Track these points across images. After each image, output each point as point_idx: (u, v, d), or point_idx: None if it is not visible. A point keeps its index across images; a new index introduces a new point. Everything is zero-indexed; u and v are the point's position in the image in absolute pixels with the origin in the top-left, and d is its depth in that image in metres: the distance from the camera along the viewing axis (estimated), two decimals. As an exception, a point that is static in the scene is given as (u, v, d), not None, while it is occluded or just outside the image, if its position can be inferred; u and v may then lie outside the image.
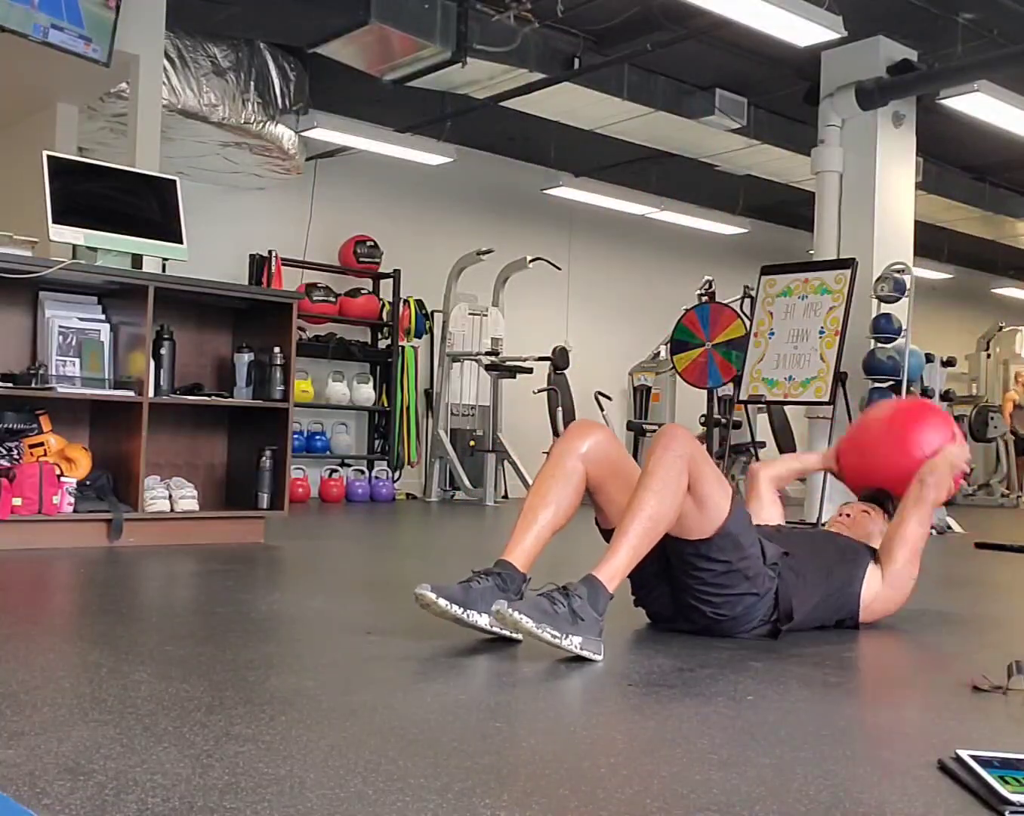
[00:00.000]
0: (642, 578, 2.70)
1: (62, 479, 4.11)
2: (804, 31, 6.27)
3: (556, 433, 8.54)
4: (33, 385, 4.10)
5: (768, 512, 3.08)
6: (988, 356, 13.03)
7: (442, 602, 2.34)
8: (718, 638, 2.59)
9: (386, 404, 9.08)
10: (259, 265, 8.46)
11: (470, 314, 8.99)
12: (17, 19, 4.87)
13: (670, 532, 2.50)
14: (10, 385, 4.09)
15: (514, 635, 2.36)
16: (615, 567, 2.34)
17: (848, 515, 3.04)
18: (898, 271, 6.98)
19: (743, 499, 2.68)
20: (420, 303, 9.25)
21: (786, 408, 9.21)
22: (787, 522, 3.23)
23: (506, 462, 8.65)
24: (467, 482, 8.64)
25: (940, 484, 2.85)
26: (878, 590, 2.78)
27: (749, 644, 2.55)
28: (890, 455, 3.03)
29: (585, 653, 2.23)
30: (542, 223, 10.21)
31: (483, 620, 2.35)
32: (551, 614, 2.21)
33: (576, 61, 7.30)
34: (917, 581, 2.85)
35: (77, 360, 4.30)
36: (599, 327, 10.59)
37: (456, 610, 2.35)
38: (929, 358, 7.27)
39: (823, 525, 3.28)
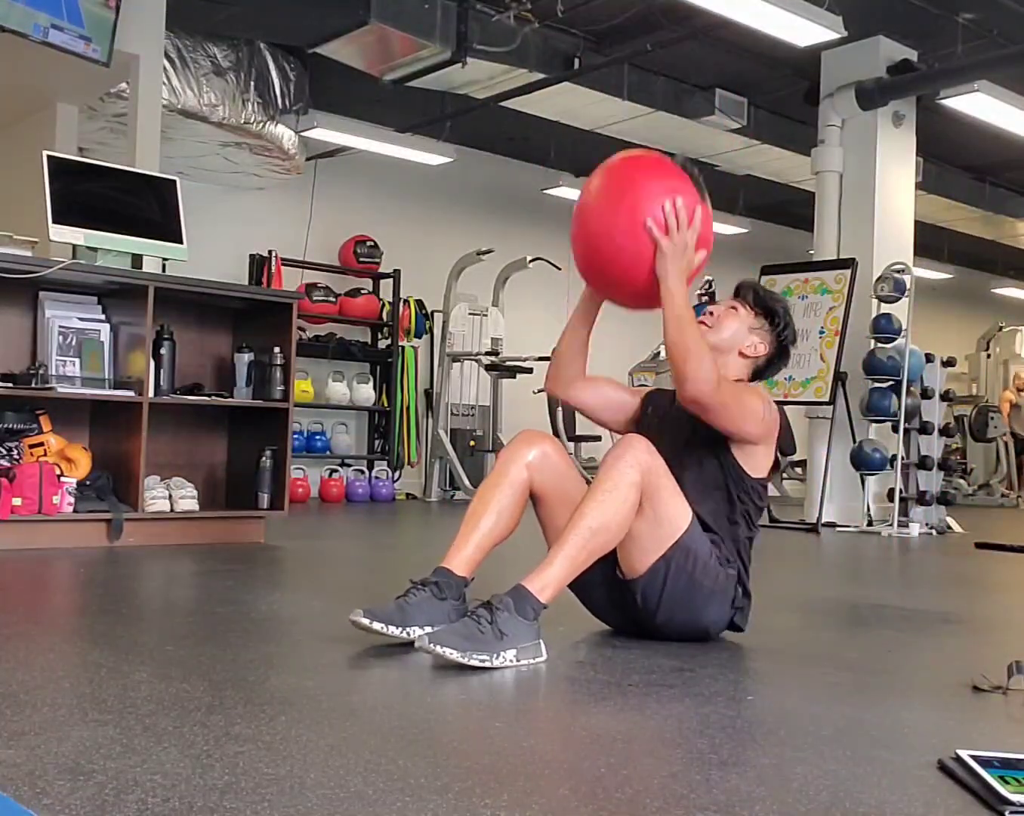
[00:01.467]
0: (597, 606, 2.64)
1: (62, 479, 4.10)
2: (804, 31, 6.27)
3: (556, 433, 8.54)
4: (33, 385, 4.10)
5: (600, 388, 2.84)
6: (988, 356, 13.04)
7: (377, 625, 2.32)
8: (718, 638, 2.58)
9: (386, 404, 9.08)
10: (259, 265, 8.46)
11: (470, 314, 8.98)
12: (17, 19, 4.87)
13: (625, 575, 2.44)
14: (10, 385, 4.09)
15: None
16: (547, 578, 2.24)
17: (711, 313, 2.68)
18: (898, 271, 6.98)
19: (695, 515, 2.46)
20: (420, 303, 9.25)
21: (786, 408, 9.21)
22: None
23: (506, 462, 8.64)
24: (467, 482, 8.64)
25: (678, 279, 2.39)
26: (752, 452, 2.55)
27: (749, 644, 2.55)
28: (619, 252, 2.40)
29: (524, 662, 2.19)
30: (542, 223, 10.20)
31: (422, 634, 2.28)
32: (476, 638, 2.15)
33: (576, 61, 7.30)
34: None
35: (77, 360, 4.30)
36: (599, 327, 10.51)
37: (393, 631, 2.32)
38: (929, 358, 7.27)
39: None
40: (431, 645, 2.14)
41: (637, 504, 2.34)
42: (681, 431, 2.57)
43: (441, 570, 2.42)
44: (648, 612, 2.48)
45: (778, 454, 2.45)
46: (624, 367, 10.47)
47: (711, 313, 2.68)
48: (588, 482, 2.48)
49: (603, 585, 2.52)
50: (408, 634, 2.31)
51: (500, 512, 2.47)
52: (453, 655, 2.12)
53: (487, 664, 2.14)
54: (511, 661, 2.17)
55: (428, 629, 2.28)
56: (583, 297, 2.77)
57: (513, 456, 2.54)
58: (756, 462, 2.57)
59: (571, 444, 9.03)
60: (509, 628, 2.17)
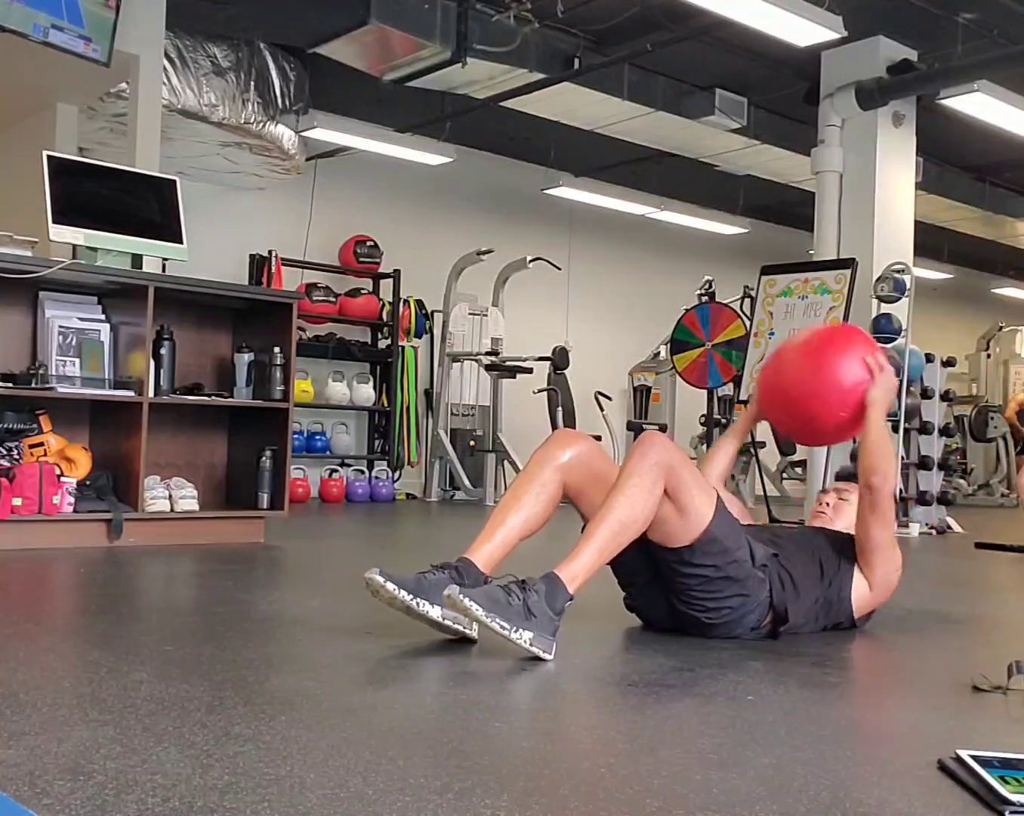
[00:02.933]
0: (634, 584, 2.69)
1: (62, 479, 4.10)
2: (804, 31, 6.27)
3: (556, 433, 8.53)
4: (33, 385, 4.10)
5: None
6: (988, 356, 13.04)
7: (390, 586, 2.31)
8: (717, 638, 2.58)
9: (386, 404, 9.08)
10: (259, 265, 8.46)
11: (470, 314, 8.98)
12: (17, 19, 4.87)
13: (654, 541, 2.49)
14: (10, 385, 4.09)
15: (467, 631, 2.34)
16: (577, 568, 2.30)
17: (828, 504, 2.98)
18: (898, 271, 6.98)
19: (725, 503, 2.64)
20: (420, 303, 9.25)
21: (786, 408, 9.19)
22: (777, 521, 3.24)
23: (506, 462, 8.65)
24: (467, 482, 8.64)
25: (883, 406, 2.74)
26: (865, 593, 2.77)
27: (749, 644, 2.55)
28: (814, 398, 2.81)
29: (535, 649, 2.20)
30: (542, 223, 10.20)
31: (434, 612, 2.32)
32: (503, 605, 2.18)
33: (576, 61, 7.30)
34: (908, 582, 2.85)
35: (77, 360, 4.30)
36: (599, 327, 10.59)
37: (405, 596, 2.31)
38: (929, 358, 7.27)
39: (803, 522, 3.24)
40: (460, 595, 2.15)
41: (661, 497, 2.41)
42: (807, 545, 2.79)
43: (464, 559, 2.44)
44: (674, 583, 2.54)
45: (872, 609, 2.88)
46: (624, 367, 10.49)
47: (827, 503, 3.00)
48: None
49: (641, 557, 2.56)
50: (417, 604, 2.31)
51: (530, 510, 2.52)
52: (478, 611, 2.14)
53: (505, 633, 2.16)
54: (526, 643, 2.19)
55: (438, 608, 2.29)
56: (749, 417, 3.10)
57: (547, 457, 2.59)
58: (860, 595, 2.75)
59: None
60: (537, 611, 2.21)
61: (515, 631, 2.17)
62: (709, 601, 2.54)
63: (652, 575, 2.60)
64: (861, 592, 2.76)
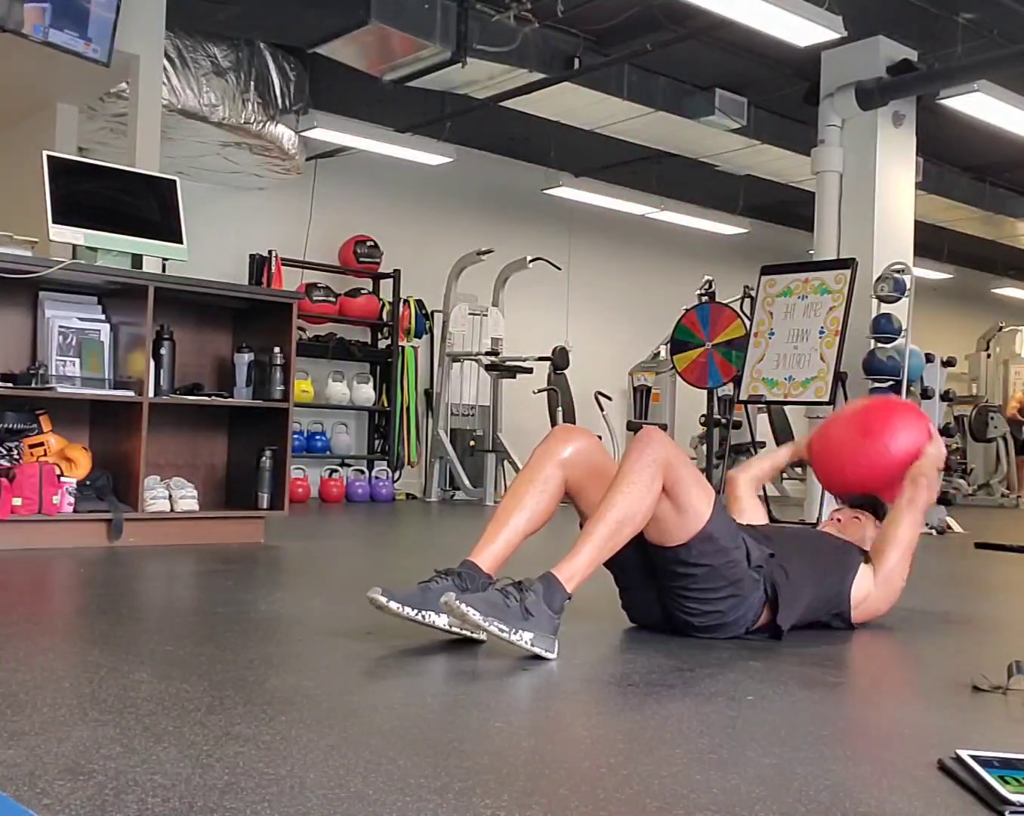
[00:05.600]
0: (628, 582, 2.68)
1: (62, 479, 4.10)
2: (804, 31, 6.26)
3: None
4: (33, 385, 4.10)
5: (750, 515, 3.05)
6: (988, 356, 13.04)
7: (393, 605, 2.31)
8: (717, 638, 2.58)
9: (386, 404, 9.08)
10: (259, 265, 8.46)
11: (470, 314, 8.98)
12: (17, 19, 4.87)
13: (651, 540, 2.48)
14: (10, 385, 4.09)
15: (474, 634, 2.34)
16: (575, 567, 2.29)
17: (839, 520, 3.02)
18: (898, 271, 6.98)
19: (724, 502, 2.66)
20: (420, 303, 9.25)
21: (786, 408, 9.21)
22: (777, 521, 3.25)
23: (506, 462, 8.65)
24: (467, 482, 8.64)
25: (931, 485, 2.86)
26: (869, 590, 2.77)
27: (749, 644, 2.55)
28: (860, 454, 3.00)
29: (537, 649, 2.20)
30: (542, 223, 10.20)
31: (441, 620, 2.32)
32: (501, 607, 2.17)
33: (576, 61, 7.30)
34: (908, 582, 2.86)
35: (77, 360, 4.30)
36: (599, 327, 10.59)
37: (410, 612, 2.31)
38: (929, 358, 7.27)
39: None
40: (457, 602, 2.15)
41: (659, 494, 2.40)
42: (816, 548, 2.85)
43: (467, 563, 2.44)
44: (668, 584, 2.53)
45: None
46: (624, 367, 10.49)
47: (839, 519, 3.04)
48: None
49: (637, 557, 2.55)
50: (423, 617, 2.31)
51: (534, 508, 2.51)
52: (475, 616, 2.14)
53: (504, 636, 2.16)
54: (526, 643, 2.18)
55: (444, 616, 2.30)
56: (793, 455, 3.27)
57: (548, 452, 2.58)
58: (860, 589, 2.77)
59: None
60: (535, 611, 2.20)
61: (515, 632, 2.17)
62: (703, 602, 2.53)
63: (647, 576, 2.59)
64: (863, 587, 2.76)
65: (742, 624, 2.58)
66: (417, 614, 2.32)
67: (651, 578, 2.59)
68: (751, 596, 2.56)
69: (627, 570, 2.64)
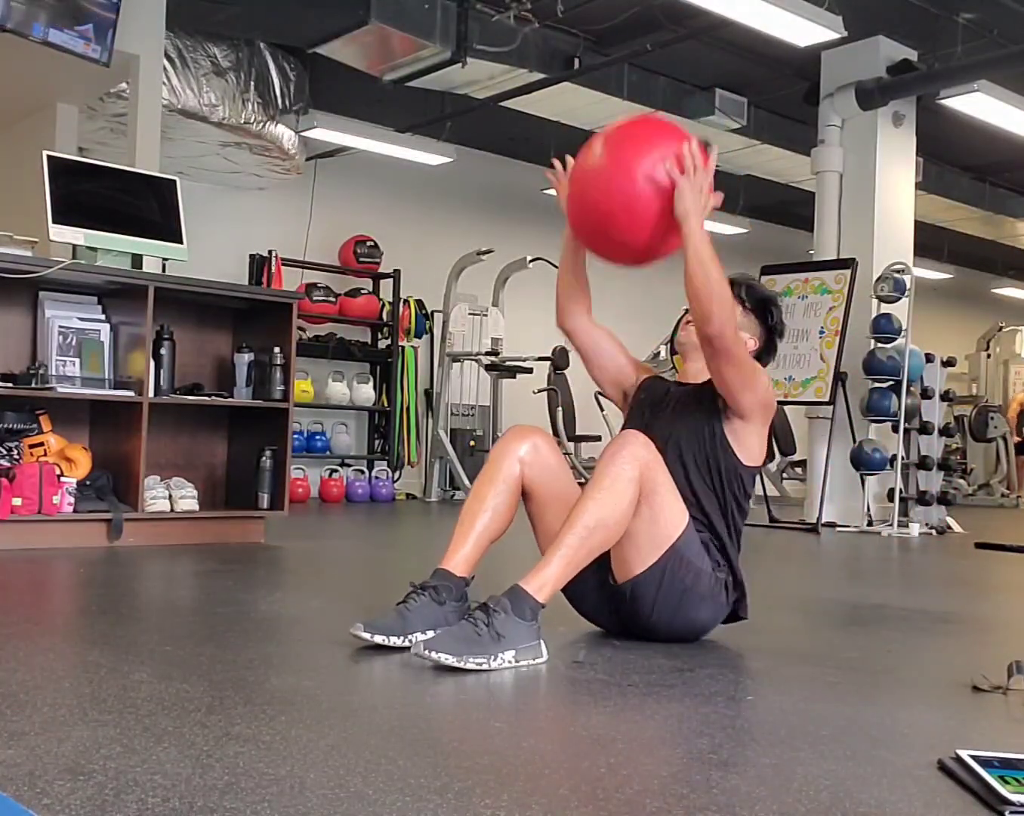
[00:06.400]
0: (588, 609, 2.63)
1: (62, 479, 4.10)
2: (804, 31, 6.26)
3: (556, 433, 8.54)
4: (33, 385, 4.10)
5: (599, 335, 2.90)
6: (988, 356, 13.04)
7: (378, 638, 2.31)
8: (715, 637, 2.58)
9: (386, 404, 9.08)
10: (259, 265, 8.46)
11: (470, 314, 8.98)
12: (17, 19, 4.87)
13: (619, 577, 2.43)
14: (10, 385, 4.09)
15: None
16: (544, 577, 2.23)
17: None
18: (898, 271, 6.98)
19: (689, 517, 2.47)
20: (420, 303, 9.25)
21: (786, 408, 9.21)
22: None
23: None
24: (467, 482, 8.63)
25: (701, 224, 2.38)
26: (742, 430, 2.53)
27: (749, 644, 2.55)
28: (615, 198, 2.41)
29: (523, 662, 2.18)
30: (542, 223, 10.18)
31: (428, 636, 2.28)
32: (473, 640, 2.14)
33: (576, 61, 7.30)
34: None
35: (77, 360, 4.30)
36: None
37: (395, 641, 2.30)
38: (929, 358, 7.27)
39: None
40: (427, 651, 2.13)
41: (635, 500, 2.32)
42: (676, 416, 2.59)
43: (440, 572, 2.42)
44: (641, 615, 2.48)
45: (773, 446, 2.53)
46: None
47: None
48: (584, 481, 2.47)
49: (596, 589, 2.51)
50: (410, 642, 2.29)
51: (496, 508, 2.47)
52: (449, 661, 2.12)
53: (484, 667, 2.13)
54: (509, 662, 2.16)
55: (429, 633, 2.28)
56: (566, 238, 2.81)
57: (505, 451, 2.54)
58: (748, 447, 2.55)
59: (571, 444, 9.03)
60: (507, 629, 2.17)
61: (494, 659, 2.14)
62: (681, 624, 2.49)
63: (604, 602, 2.53)
64: (740, 435, 2.52)
65: (722, 614, 2.55)
66: (403, 641, 2.30)
67: (612, 608, 2.53)
68: (721, 593, 2.51)
69: (585, 601, 2.59)
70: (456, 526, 2.50)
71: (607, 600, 2.52)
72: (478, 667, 2.13)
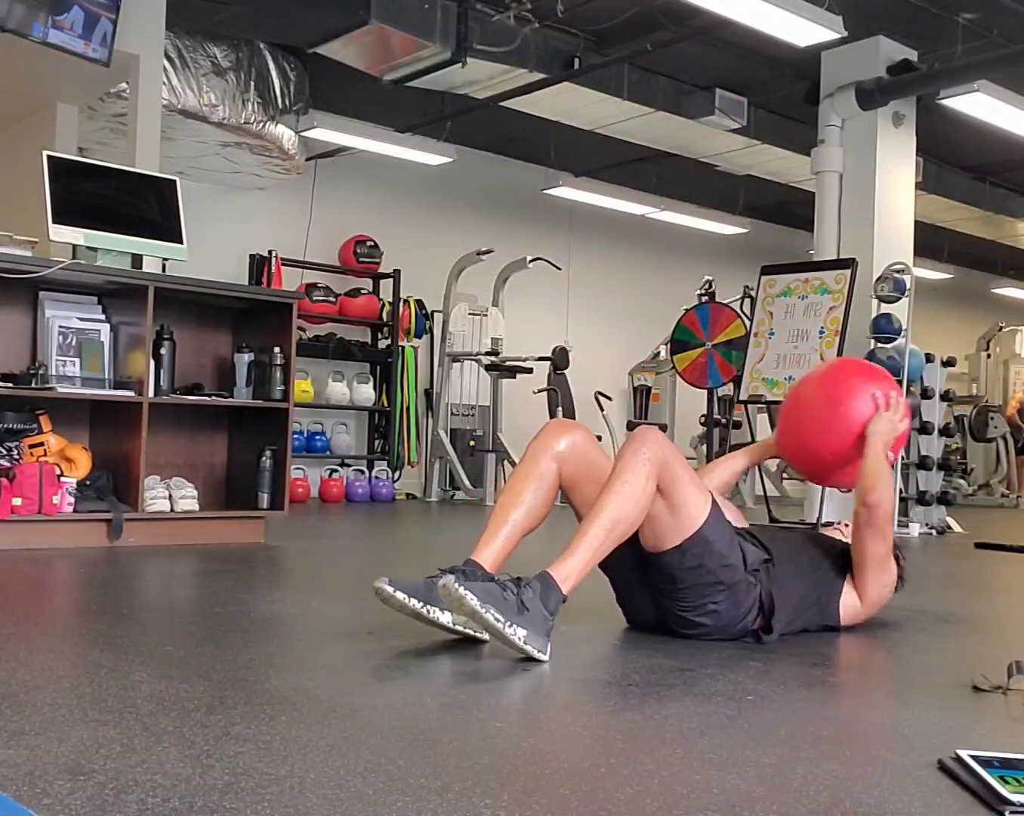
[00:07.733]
0: (622, 582, 2.67)
1: (62, 479, 4.10)
2: (804, 31, 6.27)
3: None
4: (33, 385, 4.10)
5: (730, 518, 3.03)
6: (988, 356, 13.04)
7: (400, 595, 2.31)
8: (713, 639, 2.58)
9: (386, 404, 9.08)
10: (259, 265, 8.46)
11: (470, 314, 8.99)
12: (17, 19, 4.87)
13: (646, 545, 2.47)
14: (10, 385, 4.09)
15: (476, 633, 2.33)
16: (570, 567, 2.28)
17: (847, 525, 2.96)
18: (898, 271, 6.98)
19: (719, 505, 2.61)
20: (420, 303, 9.26)
21: (786, 408, 9.20)
22: (777, 521, 3.22)
23: (506, 462, 8.65)
24: (467, 482, 8.64)
25: (886, 469, 2.70)
26: (854, 607, 2.76)
27: (749, 644, 2.55)
28: (822, 434, 2.80)
29: (528, 648, 2.19)
30: (542, 223, 10.20)
31: (445, 617, 2.32)
32: (499, 598, 2.17)
33: (576, 61, 7.30)
34: (908, 581, 2.85)
35: (77, 360, 4.30)
36: (599, 327, 10.59)
37: (415, 604, 2.31)
38: (929, 358, 7.27)
39: (824, 526, 3.21)
40: (455, 585, 2.15)
41: (654, 493, 2.38)
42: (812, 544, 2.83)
43: (471, 561, 2.43)
44: (662, 586, 2.52)
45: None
46: (624, 367, 10.49)
47: (846, 523, 2.95)
48: None
49: (631, 556, 2.53)
50: (427, 611, 2.31)
51: (530, 505, 2.50)
52: (473, 601, 2.13)
53: (499, 625, 2.15)
54: (519, 639, 2.18)
55: (448, 613, 2.30)
56: (765, 448, 3.10)
57: (543, 446, 2.57)
58: (847, 608, 2.75)
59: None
60: (531, 606, 2.20)
61: (509, 625, 2.16)
62: (697, 606, 2.52)
63: (642, 576, 2.58)
64: (849, 605, 2.75)
65: (736, 625, 2.57)
66: (422, 607, 2.32)
67: (646, 578, 2.58)
68: (746, 599, 2.54)
69: (622, 571, 2.63)
70: (489, 519, 2.51)
71: (640, 567, 2.56)
72: (495, 621, 2.14)
